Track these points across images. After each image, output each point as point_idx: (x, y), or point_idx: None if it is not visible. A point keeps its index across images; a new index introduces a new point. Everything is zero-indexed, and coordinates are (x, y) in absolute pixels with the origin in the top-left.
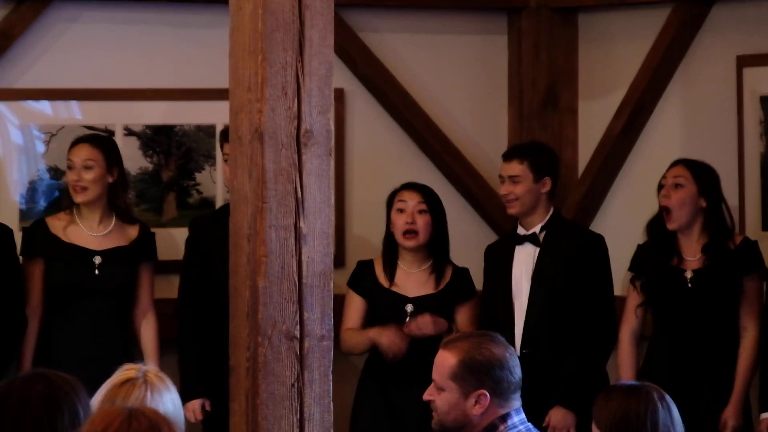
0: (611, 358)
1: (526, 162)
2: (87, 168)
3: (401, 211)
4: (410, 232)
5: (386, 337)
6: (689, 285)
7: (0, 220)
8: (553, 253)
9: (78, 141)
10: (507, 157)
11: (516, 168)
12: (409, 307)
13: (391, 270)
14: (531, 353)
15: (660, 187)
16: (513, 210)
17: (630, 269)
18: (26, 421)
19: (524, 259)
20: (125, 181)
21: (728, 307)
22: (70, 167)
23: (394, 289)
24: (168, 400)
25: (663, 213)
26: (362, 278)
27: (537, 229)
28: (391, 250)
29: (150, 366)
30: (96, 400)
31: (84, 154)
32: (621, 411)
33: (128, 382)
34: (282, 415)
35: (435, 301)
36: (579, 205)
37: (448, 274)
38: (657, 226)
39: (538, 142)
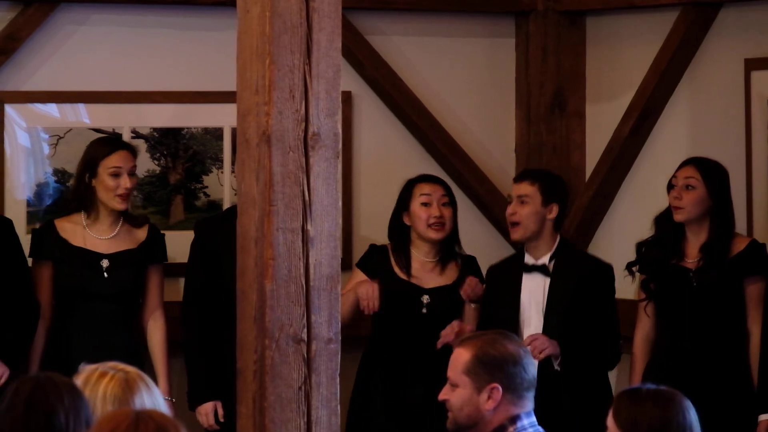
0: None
1: (537, 184)
2: (131, 175)
3: (426, 204)
4: (438, 224)
5: (363, 288)
6: (694, 284)
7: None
8: (564, 284)
9: (119, 147)
10: (518, 178)
11: (526, 188)
12: (425, 298)
13: (406, 260)
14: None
15: (670, 186)
16: (516, 235)
17: (639, 271)
18: (6, 423)
19: (533, 289)
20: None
21: (732, 307)
22: (115, 174)
23: (408, 279)
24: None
25: (672, 209)
26: (374, 261)
27: (546, 259)
28: (403, 240)
29: (112, 364)
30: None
31: (130, 161)
32: (631, 412)
33: (126, 384)
34: (289, 418)
35: (450, 293)
36: (586, 208)
37: (458, 265)
38: (666, 221)
39: (550, 170)
